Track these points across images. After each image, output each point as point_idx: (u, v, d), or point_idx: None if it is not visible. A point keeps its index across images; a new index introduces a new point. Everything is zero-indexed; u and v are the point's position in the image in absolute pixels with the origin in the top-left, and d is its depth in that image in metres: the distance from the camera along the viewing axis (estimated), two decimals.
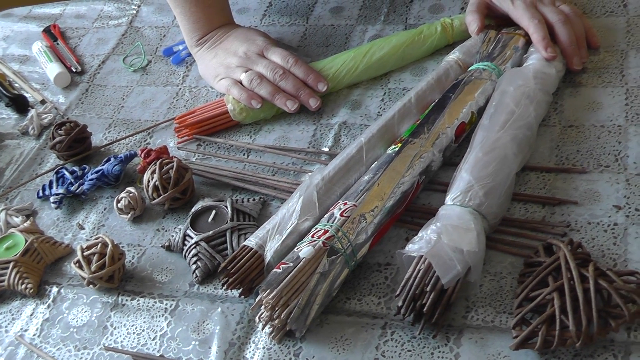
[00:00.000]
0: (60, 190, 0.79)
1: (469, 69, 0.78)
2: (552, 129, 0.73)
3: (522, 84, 0.72)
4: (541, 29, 0.76)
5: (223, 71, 0.87)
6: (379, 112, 0.81)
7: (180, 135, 0.85)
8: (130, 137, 0.87)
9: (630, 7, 0.84)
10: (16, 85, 1.00)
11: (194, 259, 0.69)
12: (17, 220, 0.79)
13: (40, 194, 0.82)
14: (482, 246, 0.60)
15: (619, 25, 0.82)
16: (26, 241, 0.73)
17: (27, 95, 0.97)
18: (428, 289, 0.57)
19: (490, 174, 0.64)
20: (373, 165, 0.70)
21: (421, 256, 0.59)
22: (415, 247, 0.61)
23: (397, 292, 0.59)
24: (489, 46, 0.79)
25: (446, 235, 0.60)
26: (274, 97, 0.83)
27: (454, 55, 0.81)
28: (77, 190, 0.79)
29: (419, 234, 0.62)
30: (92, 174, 0.80)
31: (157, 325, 0.66)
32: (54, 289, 0.72)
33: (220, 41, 0.89)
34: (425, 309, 0.57)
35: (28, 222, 0.78)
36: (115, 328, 0.66)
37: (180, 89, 0.92)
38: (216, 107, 0.86)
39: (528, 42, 0.79)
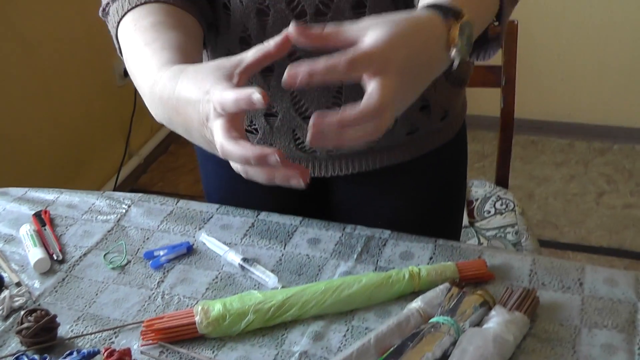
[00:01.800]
0: None
1: (430, 320, 0.82)
2: None
3: (481, 345, 0.77)
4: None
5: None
6: (339, 347, 0.84)
7: (146, 339, 0.87)
8: (97, 334, 0.89)
9: (586, 286, 0.91)
10: None
11: None
12: None
13: None
14: None
15: (574, 303, 0.89)
16: None
17: (4, 274, 1.00)
18: None
19: None
20: None
21: None
22: None
23: None
24: (451, 302, 0.84)
25: None
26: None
27: (416, 304, 0.86)
28: None
29: None
30: None
31: None
32: None
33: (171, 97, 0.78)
34: None
35: None
36: None
37: (153, 293, 0.96)
38: (185, 316, 0.88)
39: (487, 303, 0.85)
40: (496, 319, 0.82)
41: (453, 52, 0.74)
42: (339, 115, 0.66)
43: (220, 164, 1.20)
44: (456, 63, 0.75)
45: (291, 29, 0.69)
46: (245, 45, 1.01)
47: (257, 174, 0.71)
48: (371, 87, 0.67)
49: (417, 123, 1.08)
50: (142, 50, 0.86)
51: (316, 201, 1.18)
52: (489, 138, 2.80)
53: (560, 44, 2.87)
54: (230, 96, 0.69)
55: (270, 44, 0.72)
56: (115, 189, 2.63)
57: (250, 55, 0.74)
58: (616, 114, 2.93)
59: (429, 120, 1.09)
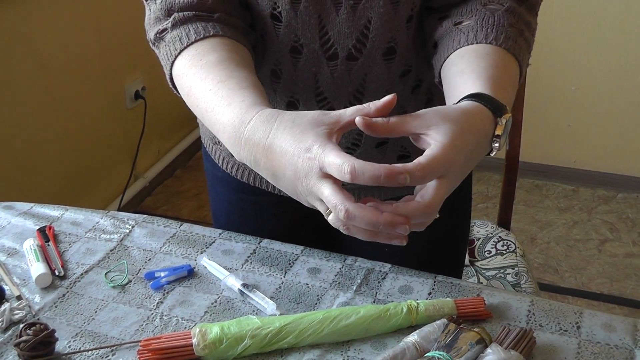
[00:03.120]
0: None
1: (425, 354, 0.83)
2: None
3: None
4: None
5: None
6: None
7: (142, 359, 0.87)
8: (94, 351, 0.89)
9: (583, 330, 0.91)
10: None
11: None
12: None
13: None
14: None
15: (571, 346, 0.89)
16: None
17: (5, 287, 1.01)
18: None
19: None
20: None
21: None
22: None
23: None
24: (447, 337, 0.84)
25: None
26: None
27: (412, 338, 0.86)
28: None
29: None
30: None
31: None
32: None
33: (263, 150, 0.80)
34: None
35: None
36: None
37: (152, 313, 0.96)
38: (182, 337, 0.89)
39: (484, 341, 0.85)
40: (492, 357, 0.82)
41: (496, 145, 0.82)
42: (392, 209, 0.74)
43: (230, 187, 1.21)
44: (494, 153, 0.83)
45: (358, 122, 0.76)
46: (275, 78, 1.03)
47: (361, 232, 0.76)
48: (429, 189, 0.76)
49: None
50: (217, 87, 0.87)
51: (322, 229, 1.19)
52: (493, 180, 2.81)
53: (569, 90, 2.89)
54: (367, 170, 0.72)
55: (371, 107, 0.78)
56: (119, 210, 2.64)
57: (349, 114, 0.78)
58: (621, 162, 2.94)
59: None
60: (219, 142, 1.16)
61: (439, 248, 1.20)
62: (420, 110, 0.79)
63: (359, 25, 0.96)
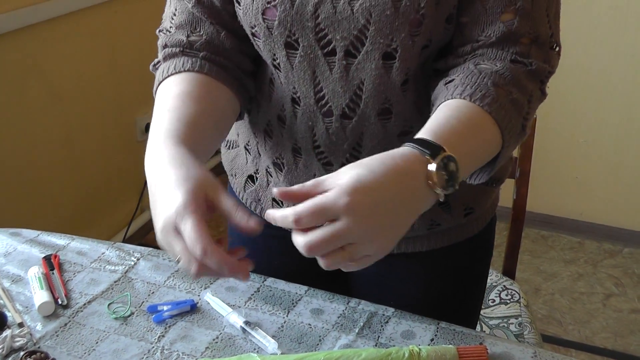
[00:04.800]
0: None
1: None
2: None
3: None
4: None
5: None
6: None
7: None
8: None
9: None
10: (0, 302, 1.04)
11: None
12: None
13: None
14: None
15: None
16: None
17: (7, 314, 1.01)
18: None
19: None
20: None
21: None
22: None
23: None
24: None
25: None
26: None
27: None
28: None
29: None
30: None
31: None
32: None
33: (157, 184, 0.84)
34: None
35: None
36: None
37: (153, 347, 0.96)
38: None
39: None
40: None
41: (437, 191, 0.79)
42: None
43: None
44: (442, 197, 0.80)
45: (275, 193, 0.79)
46: (281, 123, 1.05)
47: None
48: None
49: (437, 219, 1.08)
50: (163, 114, 0.93)
51: (334, 270, 1.18)
52: (499, 228, 2.77)
53: (577, 143, 2.90)
54: (215, 258, 0.76)
55: (244, 220, 0.79)
56: (124, 241, 2.65)
57: (228, 207, 0.80)
58: (628, 217, 2.94)
59: (451, 216, 1.09)
60: (234, 174, 1.19)
61: (452, 302, 1.18)
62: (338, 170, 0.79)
63: (352, 85, 0.96)
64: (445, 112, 0.87)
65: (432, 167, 0.78)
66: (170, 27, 1.03)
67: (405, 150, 0.80)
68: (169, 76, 0.99)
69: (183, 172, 0.81)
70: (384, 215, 0.76)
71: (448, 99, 0.88)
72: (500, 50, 0.92)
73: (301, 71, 0.97)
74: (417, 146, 0.80)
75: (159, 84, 1.00)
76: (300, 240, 0.76)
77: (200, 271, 0.77)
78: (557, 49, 0.96)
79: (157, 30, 1.06)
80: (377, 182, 0.76)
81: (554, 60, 0.96)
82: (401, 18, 0.90)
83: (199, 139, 0.91)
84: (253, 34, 0.99)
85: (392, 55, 0.93)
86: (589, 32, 2.72)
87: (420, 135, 0.82)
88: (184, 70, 0.98)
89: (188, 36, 1.01)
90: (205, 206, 0.79)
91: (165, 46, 1.02)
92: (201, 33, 1.01)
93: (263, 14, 0.95)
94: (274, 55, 0.98)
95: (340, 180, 0.76)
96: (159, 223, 0.79)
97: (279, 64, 0.98)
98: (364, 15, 0.91)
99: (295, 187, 0.78)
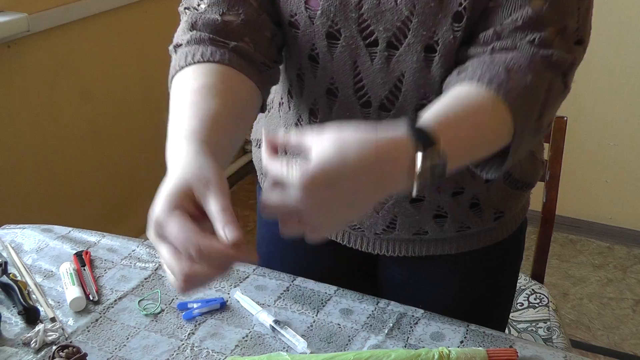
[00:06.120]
0: None
1: None
2: None
3: None
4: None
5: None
6: None
7: None
8: None
9: None
10: (33, 297, 1.05)
11: None
12: None
13: None
14: None
15: None
16: None
17: (40, 309, 1.02)
18: None
19: None
20: None
21: None
22: None
23: None
24: None
25: None
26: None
27: None
28: None
29: None
30: None
31: None
32: None
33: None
34: None
35: None
36: None
37: (183, 344, 0.97)
38: None
39: None
40: None
41: (413, 183, 0.74)
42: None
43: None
44: (414, 191, 0.75)
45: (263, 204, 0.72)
46: (313, 117, 1.03)
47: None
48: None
49: (467, 222, 1.07)
50: (183, 110, 0.87)
51: (363, 271, 1.18)
52: (528, 232, 2.77)
53: (607, 146, 2.87)
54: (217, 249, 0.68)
55: (222, 231, 0.70)
56: None
57: (212, 209, 0.71)
58: None
59: (480, 219, 1.08)
60: (263, 173, 1.17)
61: (482, 306, 1.17)
62: (328, 127, 0.74)
63: (392, 77, 0.96)
64: (450, 96, 0.83)
65: (419, 158, 0.73)
66: (200, 3, 0.95)
67: (398, 133, 0.74)
68: (190, 64, 0.91)
69: (179, 171, 0.75)
70: (342, 203, 0.72)
71: (456, 85, 0.85)
72: (523, 35, 0.87)
73: (341, 61, 0.96)
74: (410, 132, 0.74)
75: (177, 70, 0.93)
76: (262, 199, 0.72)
77: (190, 279, 0.70)
78: (583, 44, 0.92)
79: (182, 7, 0.98)
80: (343, 174, 0.71)
81: (577, 54, 0.91)
82: (444, 10, 0.89)
83: (220, 137, 0.85)
84: (291, 24, 0.97)
85: (434, 49, 0.92)
86: (620, 34, 2.69)
87: (418, 121, 0.77)
88: (208, 62, 0.91)
89: (223, 14, 0.93)
90: (192, 206, 0.72)
91: (193, 27, 0.94)
92: (239, 12, 0.93)
93: (306, 2, 0.94)
94: (313, 45, 0.97)
95: (310, 163, 0.71)
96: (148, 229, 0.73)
97: (317, 54, 0.97)
98: (407, 7, 0.90)
99: (280, 137, 0.74)
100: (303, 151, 0.73)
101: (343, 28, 0.94)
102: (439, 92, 0.95)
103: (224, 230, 0.68)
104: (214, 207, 0.70)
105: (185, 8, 0.97)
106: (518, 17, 0.88)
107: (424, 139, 0.74)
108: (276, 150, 0.75)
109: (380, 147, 0.73)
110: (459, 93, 0.83)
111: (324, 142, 0.72)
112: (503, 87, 0.82)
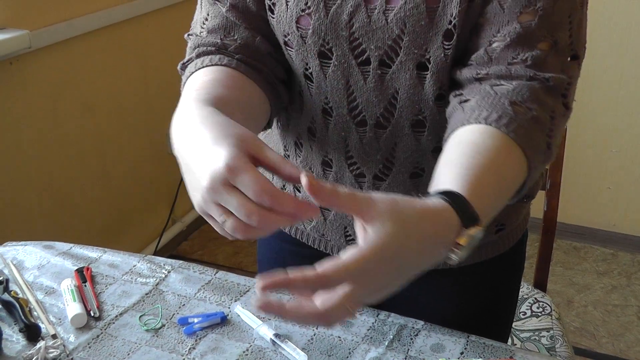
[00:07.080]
0: None
1: None
2: None
3: None
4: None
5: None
6: None
7: None
8: None
9: None
10: (35, 314, 1.05)
11: None
12: None
13: None
14: None
15: None
16: None
17: (41, 325, 1.02)
18: None
19: None
20: None
21: None
22: None
23: None
24: None
25: None
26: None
27: None
28: None
29: None
30: None
31: None
32: None
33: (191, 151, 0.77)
34: None
35: None
36: None
37: (184, 359, 0.97)
38: None
39: None
40: None
41: (453, 257, 0.74)
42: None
43: (274, 235, 1.20)
44: (452, 262, 0.75)
45: (304, 181, 0.68)
46: (311, 135, 1.05)
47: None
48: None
49: None
50: (190, 93, 0.87)
51: None
52: (530, 240, 2.75)
53: (610, 153, 2.87)
54: (288, 201, 0.69)
55: (295, 171, 0.72)
56: (155, 253, 2.67)
57: (275, 160, 0.73)
58: None
59: None
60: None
61: (482, 318, 1.17)
62: (377, 195, 0.71)
63: (386, 94, 0.96)
64: (468, 148, 0.81)
65: (462, 239, 0.73)
66: (201, 31, 1.00)
67: (443, 208, 0.73)
68: (200, 69, 0.94)
69: (219, 130, 0.75)
70: (392, 276, 0.72)
71: (465, 124, 0.84)
72: (515, 54, 0.87)
73: (334, 80, 0.97)
74: (455, 210, 0.73)
75: (188, 77, 0.95)
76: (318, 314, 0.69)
77: (264, 220, 0.69)
78: (578, 59, 0.92)
79: (186, 35, 1.03)
80: (407, 248, 0.70)
81: (572, 71, 0.90)
82: (435, 28, 0.90)
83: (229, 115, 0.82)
84: (285, 43, 0.99)
85: (426, 66, 0.93)
86: (620, 41, 2.70)
87: (453, 187, 0.76)
88: (218, 65, 0.94)
89: (222, 39, 0.97)
90: (252, 162, 0.72)
91: (198, 46, 0.98)
92: (235, 37, 0.98)
93: (297, 22, 0.95)
94: (307, 64, 0.98)
95: (373, 235, 0.69)
96: (204, 181, 0.71)
97: (311, 73, 0.99)
98: (398, 25, 0.91)
99: (328, 186, 0.69)
100: (355, 216, 0.71)
101: (335, 47, 0.95)
102: (433, 107, 0.95)
103: (300, 173, 0.70)
104: (276, 158, 0.73)
105: (189, 35, 1.03)
106: (506, 34, 0.88)
107: (468, 214, 0.73)
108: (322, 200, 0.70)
109: (436, 223, 0.72)
110: (475, 144, 0.81)
111: (382, 215, 0.69)
112: (512, 125, 0.82)
